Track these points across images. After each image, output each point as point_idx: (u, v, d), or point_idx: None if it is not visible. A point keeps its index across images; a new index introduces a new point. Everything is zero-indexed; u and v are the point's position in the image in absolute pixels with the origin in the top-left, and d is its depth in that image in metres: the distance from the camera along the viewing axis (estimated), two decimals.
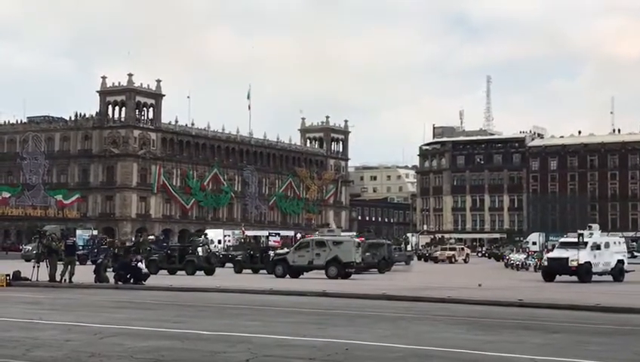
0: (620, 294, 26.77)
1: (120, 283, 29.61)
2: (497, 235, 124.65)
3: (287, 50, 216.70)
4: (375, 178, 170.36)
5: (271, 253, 43.03)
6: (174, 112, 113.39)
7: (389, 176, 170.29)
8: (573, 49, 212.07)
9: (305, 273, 37.40)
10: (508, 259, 55.59)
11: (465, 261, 68.60)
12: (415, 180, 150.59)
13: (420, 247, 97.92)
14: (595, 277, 35.53)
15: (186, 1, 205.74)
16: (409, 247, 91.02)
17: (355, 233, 79.33)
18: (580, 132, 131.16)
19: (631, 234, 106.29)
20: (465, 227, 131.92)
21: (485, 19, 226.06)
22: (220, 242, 74.51)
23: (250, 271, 42.19)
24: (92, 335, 14.13)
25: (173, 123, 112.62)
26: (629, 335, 15.66)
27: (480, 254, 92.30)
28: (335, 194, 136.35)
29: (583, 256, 35.10)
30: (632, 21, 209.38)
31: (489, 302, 22.60)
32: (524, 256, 53.79)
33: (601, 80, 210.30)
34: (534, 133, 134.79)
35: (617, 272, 35.67)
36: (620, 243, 37.30)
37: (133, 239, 74.45)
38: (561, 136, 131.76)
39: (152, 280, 30.55)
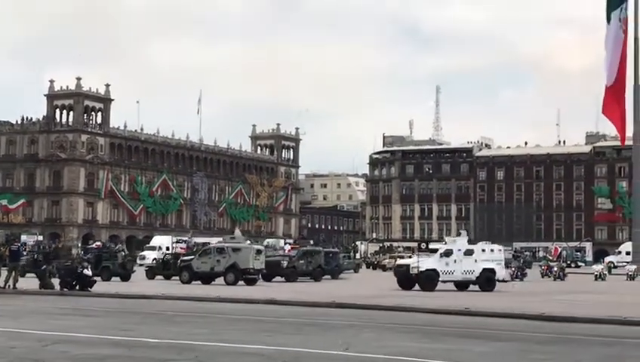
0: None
1: (65, 289, 29.21)
2: None
3: (238, 56, 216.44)
4: (325, 186, 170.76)
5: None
6: (123, 117, 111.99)
7: (339, 184, 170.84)
8: (521, 61, 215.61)
9: (216, 279, 37.85)
10: None
11: None
12: (365, 188, 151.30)
13: (369, 255, 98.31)
14: (451, 286, 35.14)
15: (136, 6, 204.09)
16: (358, 255, 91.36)
17: (288, 241, 79.34)
18: (526, 143, 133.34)
19: (575, 244, 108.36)
20: (413, 235, 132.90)
21: (436, 30, 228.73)
22: (167, 249, 73.87)
23: (162, 277, 42.59)
24: (37, 343, 13.94)
25: (122, 128, 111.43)
26: (571, 343, 15.97)
27: None
28: (285, 201, 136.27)
29: (426, 263, 35.15)
30: (578, 34, 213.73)
31: (436, 311, 22.83)
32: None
33: (547, 92, 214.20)
34: (482, 143, 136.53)
35: (483, 281, 34.87)
36: (494, 251, 36.32)
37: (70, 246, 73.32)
38: (508, 147, 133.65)
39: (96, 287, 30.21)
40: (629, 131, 74.78)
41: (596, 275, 51.78)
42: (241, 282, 37.13)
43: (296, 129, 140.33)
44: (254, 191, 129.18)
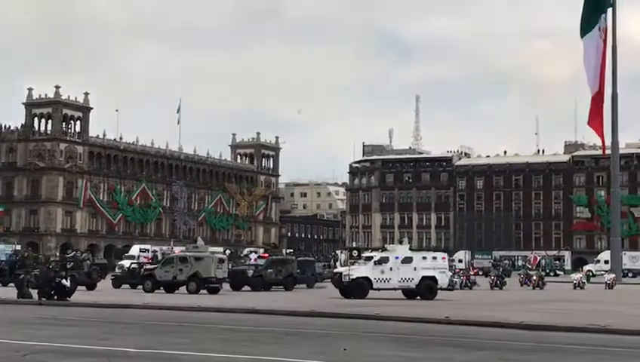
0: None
1: (44, 299, 28.98)
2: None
3: (218, 65, 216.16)
4: (305, 195, 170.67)
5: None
6: (102, 126, 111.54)
7: (319, 193, 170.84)
8: (500, 71, 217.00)
9: (179, 288, 38.02)
10: None
11: None
12: (345, 197, 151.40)
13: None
14: (390, 293, 35.15)
15: (115, 14, 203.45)
16: (338, 264, 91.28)
17: (258, 249, 78.77)
18: (505, 152, 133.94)
19: (554, 252, 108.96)
20: (393, 244, 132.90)
21: (416, 40, 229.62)
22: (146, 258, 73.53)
23: (128, 285, 42.72)
24: (15, 353, 13.81)
25: (101, 136, 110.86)
26: (550, 352, 16.05)
27: None
28: (265, 210, 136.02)
29: (358, 271, 35.51)
30: (556, 45, 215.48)
31: (416, 319, 22.86)
32: (451, 274, 54.36)
33: (526, 101, 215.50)
34: (461, 152, 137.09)
35: (424, 289, 34.86)
36: (436, 259, 36.23)
37: (60, 256, 72.77)
38: (487, 156, 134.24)
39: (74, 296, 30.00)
40: (608, 140, 75.22)
41: (575, 284, 52.11)
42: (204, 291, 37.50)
43: (276, 138, 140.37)
44: (234, 200, 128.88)
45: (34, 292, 29.95)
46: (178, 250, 52.21)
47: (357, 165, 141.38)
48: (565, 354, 15.73)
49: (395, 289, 35.36)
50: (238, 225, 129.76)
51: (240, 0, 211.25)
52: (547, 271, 79.95)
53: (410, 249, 39.45)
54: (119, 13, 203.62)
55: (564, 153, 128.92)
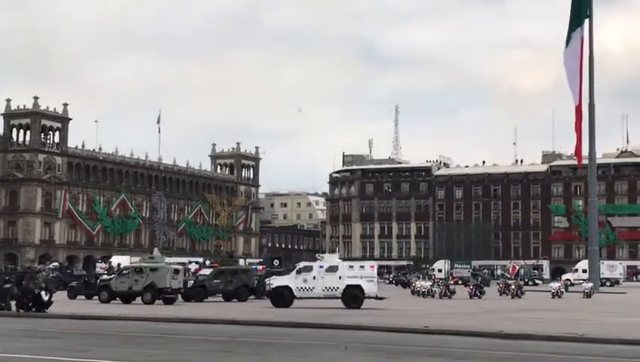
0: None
1: (22, 311, 28.79)
2: (404, 262, 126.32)
3: (197, 75, 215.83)
4: (285, 205, 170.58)
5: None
6: (81, 137, 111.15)
7: (299, 203, 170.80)
8: (479, 81, 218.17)
9: (136, 298, 38.13)
10: (414, 286, 56.27)
11: None
12: (325, 207, 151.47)
13: None
14: (315, 302, 35.05)
15: (94, 25, 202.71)
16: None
17: (195, 260, 78.32)
18: (484, 162, 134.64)
19: (532, 262, 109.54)
20: (373, 254, 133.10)
21: (395, 50, 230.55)
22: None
23: (84, 297, 42.55)
24: None
25: (80, 147, 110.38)
26: (529, 361, 16.16)
27: (387, 281, 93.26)
28: (245, 220, 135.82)
29: (280, 280, 36.06)
30: (534, 55, 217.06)
31: (395, 329, 22.90)
32: (430, 283, 54.56)
33: (504, 112, 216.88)
34: (440, 162, 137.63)
35: (348, 298, 34.59)
36: (364, 268, 36.05)
37: (38, 265, 72.31)
38: (466, 166, 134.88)
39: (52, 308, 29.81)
40: (585, 150, 75.72)
41: (553, 293, 52.39)
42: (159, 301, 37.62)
43: (256, 148, 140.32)
44: (214, 210, 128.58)
45: (12, 304, 29.74)
46: (125, 260, 52.09)
47: (337, 175, 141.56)
48: None
49: (319, 298, 35.31)
50: (218, 236, 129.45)
51: (219, 10, 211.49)
52: (526, 280, 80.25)
53: (366, 259, 39.41)
54: (98, 23, 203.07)
55: (542, 163, 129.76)
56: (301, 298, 35.26)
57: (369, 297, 35.15)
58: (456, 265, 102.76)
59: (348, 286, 34.89)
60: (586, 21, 73.58)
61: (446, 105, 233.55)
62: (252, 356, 16.05)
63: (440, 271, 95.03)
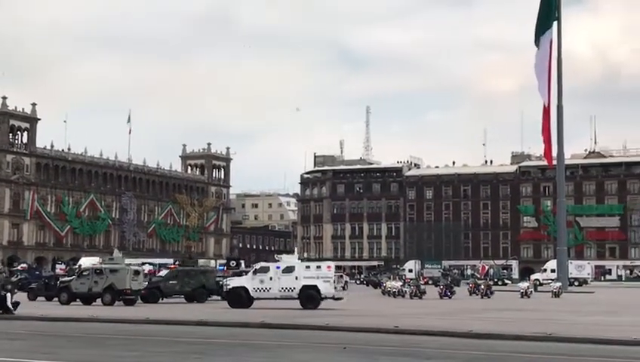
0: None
1: None
2: (375, 263, 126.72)
3: (169, 75, 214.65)
4: (256, 205, 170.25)
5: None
6: (50, 137, 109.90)
7: (270, 204, 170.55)
8: (449, 83, 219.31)
9: (96, 300, 38.08)
10: (385, 287, 56.43)
11: (343, 288, 69.12)
12: (296, 208, 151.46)
13: None
14: (270, 303, 35.12)
15: (63, 25, 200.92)
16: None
17: (155, 261, 77.88)
18: (454, 163, 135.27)
19: (502, 262, 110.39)
20: (344, 254, 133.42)
21: (366, 51, 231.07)
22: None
23: (44, 298, 42.35)
24: None
25: (48, 148, 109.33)
26: (498, 360, 16.27)
27: (358, 281, 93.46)
28: (216, 221, 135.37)
29: (236, 281, 36.57)
30: (504, 57, 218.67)
31: (366, 329, 22.95)
32: (401, 284, 54.75)
33: (474, 113, 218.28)
34: (411, 163, 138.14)
35: (304, 298, 34.67)
36: (320, 268, 36.09)
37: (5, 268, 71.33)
38: (437, 167, 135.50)
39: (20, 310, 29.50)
40: (554, 151, 76.38)
41: (522, 293, 52.80)
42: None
43: (227, 148, 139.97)
44: (184, 211, 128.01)
45: None
46: (94, 261, 51.61)
47: (308, 176, 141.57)
48: None
49: (275, 298, 35.41)
50: (189, 237, 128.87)
51: (190, 9, 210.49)
52: (495, 280, 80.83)
53: (324, 259, 39.48)
54: (68, 23, 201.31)
55: (512, 164, 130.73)
56: (258, 298, 35.39)
57: (325, 298, 35.21)
58: (426, 265, 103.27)
59: (304, 287, 34.96)
60: (555, 23, 74.36)
61: (417, 107, 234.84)
62: (223, 357, 16.00)
63: (410, 271, 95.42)
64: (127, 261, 47.65)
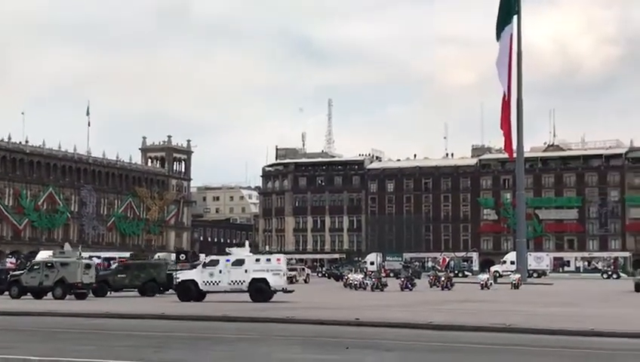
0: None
1: None
2: (337, 255, 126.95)
3: (128, 66, 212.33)
4: (218, 198, 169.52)
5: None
6: (7, 129, 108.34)
7: (231, 197, 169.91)
8: (410, 76, 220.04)
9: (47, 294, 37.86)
10: (346, 279, 56.53)
11: (305, 281, 69.18)
12: (258, 201, 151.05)
13: None
14: (220, 296, 35.25)
15: (20, 13, 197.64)
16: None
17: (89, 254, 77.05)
18: (415, 156, 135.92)
19: (462, 254, 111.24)
20: (306, 247, 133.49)
21: (328, 44, 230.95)
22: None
23: None
24: None
25: (5, 140, 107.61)
26: (458, 352, 16.33)
27: (320, 274, 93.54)
28: (177, 214, 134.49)
29: (186, 274, 36.81)
30: (464, 50, 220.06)
31: (327, 322, 22.92)
32: (362, 276, 54.88)
33: (436, 106, 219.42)
34: (373, 156, 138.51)
35: (254, 291, 34.56)
36: (270, 261, 36.04)
37: None
38: (398, 160, 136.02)
39: None
40: (513, 144, 77.00)
41: (482, 284, 53.26)
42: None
43: (188, 141, 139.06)
44: (145, 204, 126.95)
45: None
46: (46, 255, 50.96)
47: (270, 169, 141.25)
48: (472, 354, 16.02)
49: (225, 291, 35.41)
50: (149, 230, 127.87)
51: (148, 1, 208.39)
52: (455, 272, 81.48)
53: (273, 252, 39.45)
54: (24, 12, 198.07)
55: (472, 157, 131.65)
56: (207, 291, 35.34)
57: (275, 291, 35.10)
58: (388, 258, 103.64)
59: (253, 280, 34.86)
60: (515, 17, 74.99)
61: (378, 100, 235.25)
62: (183, 351, 15.83)
63: (372, 263, 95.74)
64: (85, 255, 47.22)
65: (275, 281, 35.10)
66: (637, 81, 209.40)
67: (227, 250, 39.86)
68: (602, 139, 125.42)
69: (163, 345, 16.76)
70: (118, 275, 42.71)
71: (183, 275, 36.50)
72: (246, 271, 35.15)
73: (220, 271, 35.25)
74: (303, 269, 75.35)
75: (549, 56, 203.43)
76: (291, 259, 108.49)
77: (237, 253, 37.59)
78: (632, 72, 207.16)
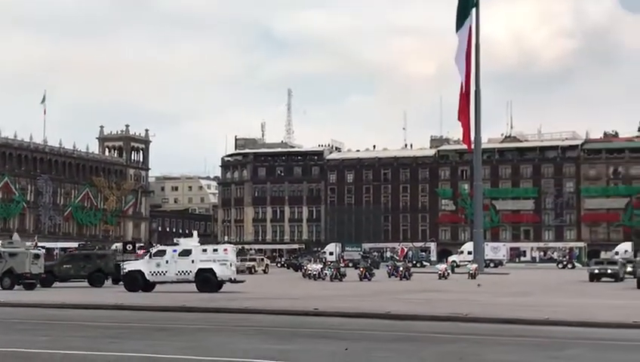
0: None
1: None
2: (297, 246, 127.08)
3: (86, 55, 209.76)
4: (176, 188, 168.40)
5: None
6: None
7: (190, 187, 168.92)
8: (370, 67, 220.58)
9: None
10: (305, 269, 56.63)
11: (265, 271, 69.16)
12: (217, 191, 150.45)
13: None
14: (169, 286, 35.27)
15: None
16: None
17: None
18: (374, 146, 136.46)
19: (420, 244, 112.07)
20: (265, 238, 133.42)
21: (288, 34, 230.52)
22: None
23: None
24: None
25: None
26: (415, 341, 16.45)
27: (279, 264, 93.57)
28: (135, 204, 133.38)
29: (133, 264, 37.00)
30: (423, 41, 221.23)
31: (286, 312, 22.97)
32: (321, 266, 55.03)
33: (394, 97, 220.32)
34: (332, 146, 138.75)
35: (200, 281, 34.62)
36: (217, 251, 36.11)
37: None
38: (357, 150, 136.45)
39: None
40: (472, 135, 77.68)
41: (440, 274, 53.77)
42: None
43: (146, 130, 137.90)
44: (102, 194, 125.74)
45: None
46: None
47: (229, 159, 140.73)
48: (429, 343, 16.16)
49: (172, 282, 35.47)
50: (107, 220, 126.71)
51: None
52: (414, 262, 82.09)
53: (230, 242, 39.33)
54: None
55: (431, 148, 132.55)
56: (155, 282, 35.38)
57: (223, 281, 35.14)
58: (347, 248, 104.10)
59: (200, 270, 34.89)
60: (474, 10, 75.59)
61: (338, 90, 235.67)
62: (141, 341, 15.71)
63: (331, 253, 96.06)
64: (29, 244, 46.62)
65: (222, 271, 35.10)
66: (593, 74, 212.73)
67: (175, 240, 39.83)
68: (558, 130, 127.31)
69: (119, 336, 16.63)
70: (64, 266, 42.53)
71: (129, 266, 36.52)
72: (193, 261, 35.19)
73: (167, 262, 35.30)
74: (262, 259, 75.25)
75: (507, 48, 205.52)
76: (250, 249, 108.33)
77: (184, 243, 37.54)
78: (588, 65, 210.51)
